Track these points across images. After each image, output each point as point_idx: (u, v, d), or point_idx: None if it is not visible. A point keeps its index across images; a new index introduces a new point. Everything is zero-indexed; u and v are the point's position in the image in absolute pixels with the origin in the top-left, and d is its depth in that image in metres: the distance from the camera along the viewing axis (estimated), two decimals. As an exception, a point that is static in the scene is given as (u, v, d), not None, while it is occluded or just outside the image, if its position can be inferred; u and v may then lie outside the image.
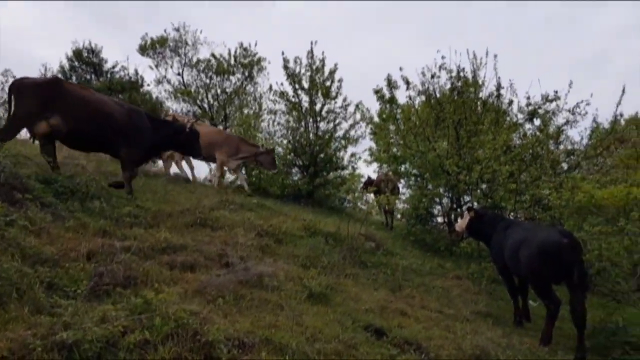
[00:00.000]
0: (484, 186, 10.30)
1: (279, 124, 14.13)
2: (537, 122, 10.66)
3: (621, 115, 10.64)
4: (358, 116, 13.70)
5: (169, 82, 20.53)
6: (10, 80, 11.94)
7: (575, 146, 11.05)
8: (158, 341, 3.51)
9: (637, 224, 6.18)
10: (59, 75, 17.51)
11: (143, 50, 19.48)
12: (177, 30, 19.72)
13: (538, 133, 10.71)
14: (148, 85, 20.23)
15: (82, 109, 7.27)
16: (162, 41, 19.31)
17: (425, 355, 4.76)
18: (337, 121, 13.28)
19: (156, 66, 20.37)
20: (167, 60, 20.17)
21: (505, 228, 7.07)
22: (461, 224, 7.92)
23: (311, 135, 13.24)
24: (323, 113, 13.22)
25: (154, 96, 19.85)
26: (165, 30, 19.79)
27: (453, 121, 10.05)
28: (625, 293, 6.24)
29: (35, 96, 6.90)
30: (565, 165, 10.93)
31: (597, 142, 10.07)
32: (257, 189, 12.81)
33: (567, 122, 10.92)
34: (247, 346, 3.75)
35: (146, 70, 25.39)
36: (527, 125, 10.94)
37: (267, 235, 7.40)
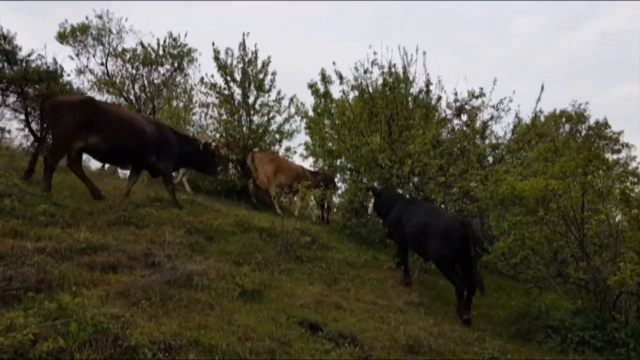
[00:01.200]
0: (415, 179, 10.55)
1: (211, 117, 13.72)
2: (464, 117, 11.07)
3: (541, 111, 11.32)
4: (292, 110, 13.57)
5: (91, 72, 19.27)
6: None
7: (499, 141, 11.61)
8: (74, 348, 3.24)
9: (555, 213, 6.54)
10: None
11: (62, 38, 18.11)
12: (100, 17, 18.55)
13: (465, 128, 11.14)
14: (68, 75, 18.84)
15: (118, 126, 7.77)
16: (84, 29, 18.07)
17: (360, 348, 4.74)
18: (271, 115, 13.07)
19: (77, 55, 19.05)
20: (89, 49, 18.91)
21: (406, 205, 8.22)
22: (372, 206, 8.88)
23: (245, 129, 12.94)
24: (256, 106, 12.96)
25: (74, 87, 18.55)
26: (87, 17, 18.56)
27: (385, 116, 10.19)
28: (546, 279, 6.59)
29: (72, 116, 7.25)
30: (490, 159, 11.46)
31: (519, 136, 10.62)
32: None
33: (491, 118, 11.45)
34: (174, 349, 3.53)
35: (66, 60, 23.70)
36: (455, 121, 11.36)
37: (197, 233, 7.10)
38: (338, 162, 13.50)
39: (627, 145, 16.44)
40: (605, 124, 16.09)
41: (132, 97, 19.47)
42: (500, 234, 7.11)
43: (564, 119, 20.80)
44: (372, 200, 8.79)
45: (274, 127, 13.29)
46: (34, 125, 13.81)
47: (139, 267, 5.30)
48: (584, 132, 17.26)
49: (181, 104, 17.27)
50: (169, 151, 8.57)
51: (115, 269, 5.11)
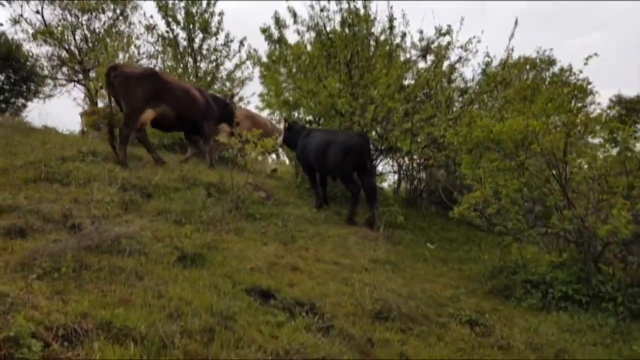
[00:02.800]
0: (378, 128, 9.76)
1: (155, 66, 12.35)
2: (430, 59, 10.23)
3: (512, 49, 10.55)
4: (244, 55, 12.37)
5: (27, 21, 17.17)
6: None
7: (467, 84, 10.90)
8: None
9: (538, 157, 5.92)
10: None
11: (-10, -18, 15.85)
12: (31, -41, 16.30)
13: (431, 71, 10.33)
14: (1, 25, 16.73)
15: (179, 96, 8.56)
16: (14, -28, 15.85)
17: (320, 317, 4.03)
18: (219, 60, 11.84)
19: (9, 2, 16.84)
20: (22, -4, 16.73)
21: (307, 135, 8.94)
22: (282, 137, 9.57)
23: (191, 77, 11.70)
24: (203, 51, 11.69)
25: (9, 37, 16.49)
26: (17, -41, 16.26)
27: (344, 56, 9.22)
28: (525, 230, 6.04)
29: (142, 88, 7.84)
30: (458, 104, 10.77)
31: (490, 78, 9.90)
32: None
33: (459, 60, 10.66)
34: (75, 336, 2.67)
35: (-4, 8, 21.12)
36: (421, 64, 10.52)
37: (133, 189, 6.14)
38: (296, 114, 12.52)
39: (592, 92, 16.12)
40: (570, 70, 15.70)
41: (72, 47, 17.58)
42: (476, 182, 6.47)
43: (527, 66, 20.34)
44: (283, 132, 9.53)
45: (223, 74, 12.10)
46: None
47: (56, 231, 4.34)
48: (548, 80, 16.80)
49: (127, 56, 15.64)
50: (213, 113, 9.39)
51: (24, 234, 4.15)
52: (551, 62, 13.26)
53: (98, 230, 4.39)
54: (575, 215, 5.78)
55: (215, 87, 12.35)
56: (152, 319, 2.99)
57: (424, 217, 10.50)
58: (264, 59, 13.87)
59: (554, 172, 5.88)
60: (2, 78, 15.59)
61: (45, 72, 16.46)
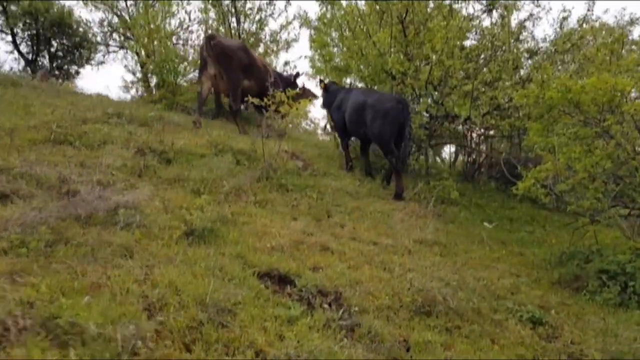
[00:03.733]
0: (435, 93, 8.67)
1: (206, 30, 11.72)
2: (496, 14, 8.94)
3: (594, 3, 8.99)
4: (290, 15, 11.52)
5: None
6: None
7: (539, 44, 9.49)
8: None
9: (627, 124, 4.78)
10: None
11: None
12: None
13: (497, 29, 9.05)
14: None
15: (261, 71, 9.17)
16: None
17: (345, 310, 3.29)
18: (263, 20, 11.07)
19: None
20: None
21: (346, 92, 8.45)
22: (323, 101, 9.06)
23: (231, 37, 11.01)
24: (247, 10, 10.96)
25: (61, 3, 16.57)
26: None
27: (397, 10, 8.15)
28: (604, 211, 4.95)
29: (240, 62, 8.53)
30: (526, 68, 9.44)
31: (566, 35, 8.51)
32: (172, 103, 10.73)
33: (530, 17, 9.30)
34: (5, 335, 2.08)
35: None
36: (485, 21, 9.23)
37: (151, 154, 5.59)
38: (348, 80, 11.57)
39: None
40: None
41: (123, 13, 17.43)
42: (547, 152, 5.39)
43: (604, 32, 18.07)
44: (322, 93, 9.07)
45: (267, 35, 11.33)
46: (23, 48, 12.22)
47: (46, 198, 3.83)
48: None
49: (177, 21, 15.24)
50: (279, 89, 8.95)
51: (6, 200, 3.66)
52: (633, 21, 11.27)
53: (94, 197, 3.85)
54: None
55: (260, 49, 11.64)
56: (119, 312, 2.36)
57: (481, 193, 9.42)
58: (314, 21, 12.99)
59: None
60: (55, 44, 15.73)
61: (98, 38, 16.39)
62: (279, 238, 4.32)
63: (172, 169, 5.42)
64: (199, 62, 11.38)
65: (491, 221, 7.68)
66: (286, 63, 12.33)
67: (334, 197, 6.34)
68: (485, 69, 8.03)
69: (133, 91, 13.94)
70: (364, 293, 3.62)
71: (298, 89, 9.78)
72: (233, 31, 11.24)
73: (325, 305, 3.28)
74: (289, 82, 10.23)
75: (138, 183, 4.68)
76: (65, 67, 15.84)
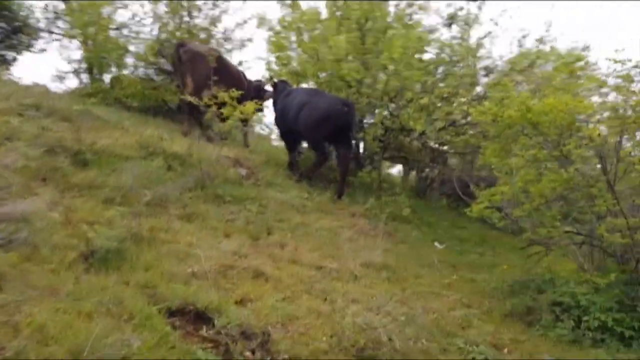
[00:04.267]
0: (391, 105, 8.28)
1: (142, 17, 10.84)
2: (456, 29, 8.69)
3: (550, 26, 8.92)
4: (247, 14, 10.89)
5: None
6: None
7: (495, 62, 9.34)
8: None
9: (585, 149, 4.50)
10: None
11: None
12: None
13: (456, 43, 8.81)
14: None
15: (235, 78, 8.82)
16: None
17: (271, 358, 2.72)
18: (215, 15, 10.38)
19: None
20: None
21: (288, 94, 8.01)
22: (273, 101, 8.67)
23: (184, 34, 10.26)
24: (199, 3, 10.24)
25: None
26: None
27: (357, 17, 7.70)
28: (560, 238, 4.65)
29: (207, 67, 7.86)
30: (481, 86, 9.26)
31: (524, 53, 8.36)
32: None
33: (488, 34, 9.13)
34: None
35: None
36: (445, 35, 8.96)
37: (65, 154, 4.82)
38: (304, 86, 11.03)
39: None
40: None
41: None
42: (503, 174, 5.06)
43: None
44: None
45: (219, 32, 10.63)
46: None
47: None
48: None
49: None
50: (249, 97, 8.47)
51: None
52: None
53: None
54: (631, 226, 4.41)
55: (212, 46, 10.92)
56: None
57: (433, 210, 9.13)
58: (272, 23, 12.38)
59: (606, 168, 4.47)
60: (-6, 29, 14.31)
61: (41, 24, 15.09)
62: (204, 261, 3.71)
63: (86, 173, 4.67)
64: (151, 58, 10.67)
65: (442, 242, 7.35)
66: (240, 63, 11.66)
67: (278, 210, 5.78)
68: (442, 84, 7.71)
69: (71, 82, 12.84)
70: (297, 334, 3.08)
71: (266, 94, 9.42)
72: (183, 25, 10.45)
73: (248, 353, 2.71)
74: (259, 88, 9.63)
75: (40, 188, 3.93)
76: (2, 52, 14.53)
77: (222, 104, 5.85)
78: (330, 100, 7.30)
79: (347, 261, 4.87)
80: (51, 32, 16.04)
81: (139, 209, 4.36)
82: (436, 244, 7.14)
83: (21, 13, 14.17)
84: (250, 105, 5.86)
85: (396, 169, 12.39)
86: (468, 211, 5.41)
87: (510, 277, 5.44)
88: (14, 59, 15.11)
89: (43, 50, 15.26)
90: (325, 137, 7.22)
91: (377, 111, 7.82)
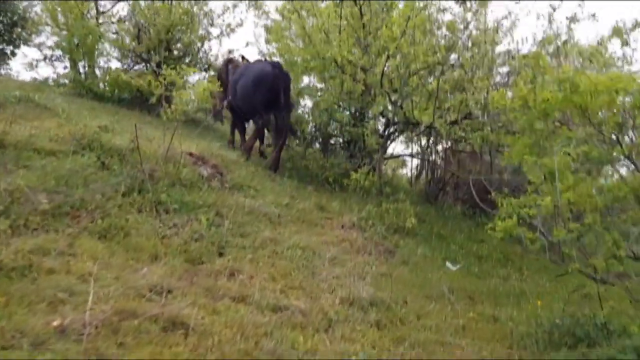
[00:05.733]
0: (394, 95, 6.94)
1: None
2: (471, 4, 7.29)
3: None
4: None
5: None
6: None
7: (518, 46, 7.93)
8: None
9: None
10: None
11: None
12: None
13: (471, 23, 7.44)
14: None
15: None
16: None
17: None
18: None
19: None
20: None
21: (234, 74, 7.62)
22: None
23: (162, 18, 9.04)
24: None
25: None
26: None
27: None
28: (625, 276, 3.31)
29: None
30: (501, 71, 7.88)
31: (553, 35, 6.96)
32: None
33: (508, 15, 7.75)
34: None
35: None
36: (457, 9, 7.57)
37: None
38: (306, 79, 9.72)
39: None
40: None
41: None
42: (543, 178, 3.71)
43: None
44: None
45: (205, 16, 9.40)
46: None
47: None
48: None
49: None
50: None
51: None
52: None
53: None
54: None
55: (200, 32, 9.74)
56: None
57: (445, 219, 7.78)
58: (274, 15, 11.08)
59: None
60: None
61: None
62: (93, 305, 2.46)
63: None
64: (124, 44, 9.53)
65: (455, 261, 6.03)
66: (230, 51, 10.44)
67: (242, 222, 4.51)
68: (455, 67, 6.36)
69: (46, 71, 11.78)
70: None
71: None
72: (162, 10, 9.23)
73: None
74: None
75: None
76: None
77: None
78: (260, 65, 7.11)
79: (322, 296, 3.59)
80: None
81: (33, 220, 3.14)
82: (448, 264, 5.81)
83: (20, 6, 13.21)
84: (200, 85, 4.63)
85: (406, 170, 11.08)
86: (489, 228, 4.10)
87: (546, 315, 4.10)
88: (12, 53, 14.15)
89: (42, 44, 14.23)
90: (260, 103, 6.70)
91: (376, 100, 6.49)
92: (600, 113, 3.42)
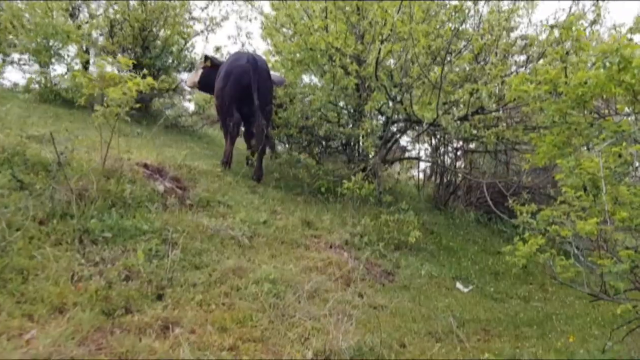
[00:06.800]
0: (393, 89, 6.01)
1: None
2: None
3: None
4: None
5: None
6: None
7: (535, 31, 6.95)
8: None
9: None
10: None
11: None
12: None
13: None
14: None
15: None
16: None
17: None
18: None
19: None
20: None
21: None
22: (193, 77, 7.25)
23: (140, 11, 8.24)
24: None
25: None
26: None
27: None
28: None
29: None
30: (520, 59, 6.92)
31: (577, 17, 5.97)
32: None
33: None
34: None
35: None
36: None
37: None
38: (306, 78, 8.78)
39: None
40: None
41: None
42: (579, 184, 2.76)
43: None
44: (198, 71, 7.13)
45: (181, 7, 8.56)
46: None
47: None
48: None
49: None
50: None
51: None
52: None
53: None
54: None
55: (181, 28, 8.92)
56: None
57: (456, 228, 6.84)
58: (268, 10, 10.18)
59: None
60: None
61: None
62: None
63: None
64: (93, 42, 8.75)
65: (467, 280, 5.11)
66: (217, 49, 9.60)
67: (199, 249, 3.63)
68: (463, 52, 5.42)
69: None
70: None
71: None
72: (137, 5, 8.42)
73: None
74: None
75: None
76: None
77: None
78: (235, 57, 6.36)
79: (288, 350, 2.69)
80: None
81: None
82: (458, 285, 4.89)
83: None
84: (135, 81, 3.77)
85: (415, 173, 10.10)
86: (507, 253, 3.18)
87: (581, 356, 3.16)
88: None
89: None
90: (230, 99, 5.98)
91: (372, 94, 5.56)
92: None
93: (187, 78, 7.43)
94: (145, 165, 4.50)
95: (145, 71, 5.07)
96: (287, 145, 7.80)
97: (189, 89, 8.21)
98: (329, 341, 2.84)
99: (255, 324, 2.92)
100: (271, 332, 2.87)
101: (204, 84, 7.08)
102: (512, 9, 6.61)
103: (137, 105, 4.36)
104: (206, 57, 7.03)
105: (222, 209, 4.56)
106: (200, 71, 7.02)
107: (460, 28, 6.33)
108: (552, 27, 4.44)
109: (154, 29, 8.34)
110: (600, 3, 6.14)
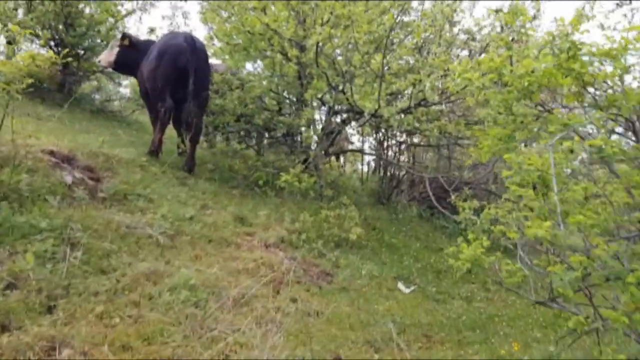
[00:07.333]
0: (336, 78, 5.70)
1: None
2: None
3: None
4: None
5: None
6: None
7: (481, 24, 6.86)
8: None
9: None
10: None
11: None
12: None
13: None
14: None
15: None
16: None
17: None
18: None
19: None
20: None
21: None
22: (107, 56, 6.47)
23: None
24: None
25: None
26: None
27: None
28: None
29: None
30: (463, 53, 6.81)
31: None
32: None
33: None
34: None
35: None
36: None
37: None
38: (250, 66, 8.22)
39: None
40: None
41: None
42: (518, 184, 2.54)
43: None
44: (114, 49, 6.30)
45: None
46: None
47: None
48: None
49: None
50: None
51: None
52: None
53: None
54: None
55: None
56: None
57: (399, 224, 6.67)
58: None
59: None
60: None
61: None
62: None
63: None
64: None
65: (409, 279, 4.91)
66: (152, 30, 8.91)
67: (107, 251, 3.15)
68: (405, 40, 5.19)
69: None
70: None
71: None
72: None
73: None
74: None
75: None
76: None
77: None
78: (170, 36, 5.90)
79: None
80: None
81: None
82: (400, 285, 4.68)
83: None
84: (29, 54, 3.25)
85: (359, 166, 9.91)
86: (450, 255, 2.96)
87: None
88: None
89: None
90: (163, 81, 5.41)
91: (312, 83, 5.23)
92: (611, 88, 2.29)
93: (101, 57, 6.66)
94: (52, 153, 3.94)
95: (66, 50, 4.49)
96: (223, 135, 7.32)
97: (110, 70, 7.34)
98: (253, 358, 2.50)
99: (165, 340, 2.52)
100: (184, 351, 2.48)
101: (121, 64, 6.36)
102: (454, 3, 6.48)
103: (44, 85, 3.79)
104: (124, 35, 6.31)
105: (142, 203, 4.08)
106: (116, 49, 6.27)
107: (405, 20, 6.16)
108: (496, 11, 4.28)
109: (79, 6, 7.56)
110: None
